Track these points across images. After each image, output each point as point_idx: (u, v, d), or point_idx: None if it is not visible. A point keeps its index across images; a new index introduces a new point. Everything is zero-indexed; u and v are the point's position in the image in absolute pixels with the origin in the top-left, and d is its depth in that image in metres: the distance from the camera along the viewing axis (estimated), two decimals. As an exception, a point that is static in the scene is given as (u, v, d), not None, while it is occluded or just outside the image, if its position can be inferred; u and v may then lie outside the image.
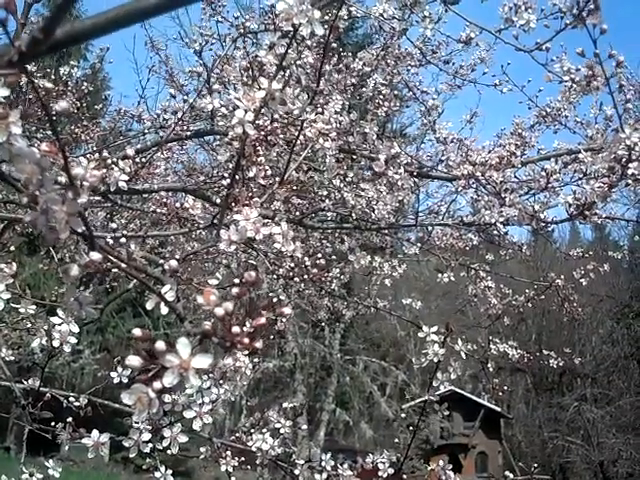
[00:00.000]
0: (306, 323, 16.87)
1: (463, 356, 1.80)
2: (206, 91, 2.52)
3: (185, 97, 2.91)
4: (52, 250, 2.03)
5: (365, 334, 21.34)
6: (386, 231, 3.31)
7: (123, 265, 0.94)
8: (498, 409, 22.52)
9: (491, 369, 3.28)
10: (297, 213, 3.21)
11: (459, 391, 20.94)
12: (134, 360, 0.77)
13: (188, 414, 1.32)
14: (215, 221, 1.78)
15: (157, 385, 0.75)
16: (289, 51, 1.31)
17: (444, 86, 3.47)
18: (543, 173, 2.22)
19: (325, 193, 3.11)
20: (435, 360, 1.81)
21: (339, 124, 1.99)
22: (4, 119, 0.83)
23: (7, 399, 3.16)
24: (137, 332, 0.80)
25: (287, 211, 3.09)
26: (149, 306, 1.07)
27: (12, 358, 1.96)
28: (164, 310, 1.04)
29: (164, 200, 1.85)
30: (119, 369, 1.88)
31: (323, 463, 2.01)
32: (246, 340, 0.83)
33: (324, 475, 2.00)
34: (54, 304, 1.62)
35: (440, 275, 3.18)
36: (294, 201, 2.93)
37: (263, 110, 1.33)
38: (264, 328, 0.85)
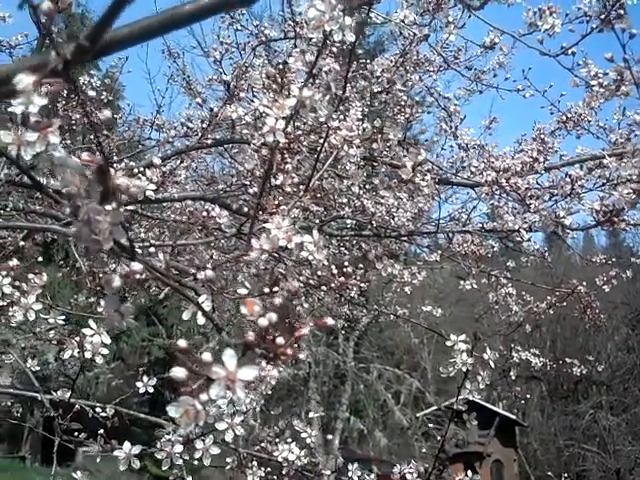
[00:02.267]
0: (320, 331, 16.83)
1: (492, 365, 1.78)
2: (228, 99, 2.51)
3: (200, 103, 2.90)
4: (79, 259, 2.04)
5: (379, 342, 21.27)
6: (405, 238, 3.29)
7: (160, 275, 0.93)
8: (513, 417, 22.37)
9: (513, 377, 3.25)
10: (316, 220, 3.20)
11: (474, 399, 20.79)
12: (179, 372, 0.76)
13: (220, 426, 1.30)
14: (241, 229, 1.77)
15: (204, 397, 0.74)
16: (319, 58, 1.30)
17: (462, 91, 3.46)
18: (568, 179, 2.19)
19: (344, 200, 3.10)
20: (463, 369, 1.79)
21: (363, 131, 1.97)
22: (44, 129, 0.83)
23: (23, 409, 3.15)
24: (182, 344, 0.79)
25: (305, 218, 3.08)
26: (186, 316, 1.06)
27: (37, 368, 1.96)
28: (201, 320, 1.03)
29: (190, 209, 1.85)
30: (144, 379, 1.87)
31: (350, 473, 2.00)
32: (289, 351, 0.82)
33: (352, 484, 1.98)
34: (83, 314, 1.62)
35: (462, 282, 3.16)
36: (312, 208, 2.92)
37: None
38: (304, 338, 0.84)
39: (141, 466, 1.54)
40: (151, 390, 1.88)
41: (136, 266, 0.86)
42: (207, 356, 0.75)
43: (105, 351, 1.27)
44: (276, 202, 1.67)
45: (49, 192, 0.90)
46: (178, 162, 2.95)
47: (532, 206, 2.15)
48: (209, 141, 2.79)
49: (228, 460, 2.02)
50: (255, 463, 1.99)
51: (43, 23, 0.67)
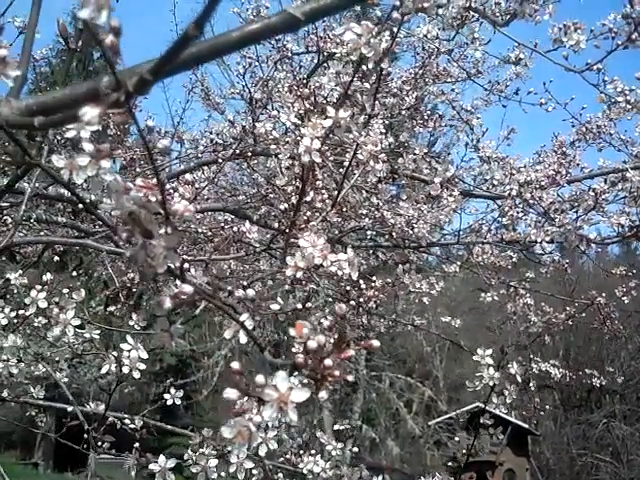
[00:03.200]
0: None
1: (519, 379, 1.79)
2: (251, 113, 2.54)
3: (228, 118, 2.93)
4: (112, 275, 2.07)
5: (391, 350, 21.23)
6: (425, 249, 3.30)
7: (208, 296, 0.95)
8: (526, 426, 22.25)
9: (532, 388, 3.25)
10: (335, 231, 3.22)
11: (487, 408, 20.71)
12: (232, 393, 0.78)
13: (254, 440, 1.32)
14: (271, 245, 1.80)
15: (257, 419, 0.76)
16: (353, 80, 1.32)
17: (479, 101, 3.48)
18: (592, 193, 2.20)
19: (364, 211, 3.12)
20: (490, 384, 1.79)
21: (389, 145, 2.00)
22: (96, 154, 0.85)
23: (37, 415, 3.18)
24: (235, 365, 0.81)
25: (325, 229, 3.10)
26: (228, 335, 1.08)
27: (66, 380, 1.98)
28: (243, 339, 1.05)
29: (222, 224, 1.87)
30: (172, 391, 1.90)
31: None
32: (337, 372, 0.84)
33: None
34: (119, 330, 1.64)
35: (482, 295, 3.17)
36: (332, 219, 2.94)
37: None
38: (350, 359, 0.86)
39: (154, 474, 1.56)
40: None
41: (186, 288, 0.88)
42: (260, 378, 0.76)
43: (142, 366, 1.29)
44: (305, 217, 1.70)
45: (100, 215, 0.93)
46: (199, 174, 2.98)
47: (557, 220, 2.16)
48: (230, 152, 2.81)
49: (254, 472, 2.03)
50: (281, 475, 2.01)
51: (105, 55, 0.69)
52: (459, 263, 3.13)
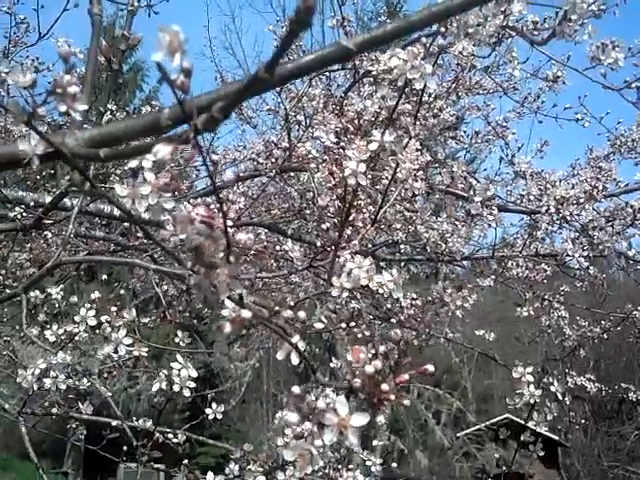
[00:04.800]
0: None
1: (559, 397, 1.79)
2: (287, 129, 2.58)
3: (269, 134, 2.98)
4: (160, 294, 2.12)
5: (419, 361, 21.13)
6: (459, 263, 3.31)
7: (264, 321, 0.97)
8: (556, 438, 21.98)
9: (567, 402, 3.23)
10: (369, 245, 3.24)
11: (515, 419, 20.55)
12: (292, 417, 0.81)
13: (301, 457, 1.34)
14: (313, 263, 1.82)
15: (318, 443, 0.78)
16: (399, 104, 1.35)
17: (511, 114, 3.49)
18: (629, 209, 2.20)
19: (398, 225, 3.14)
20: (531, 401, 1.80)
21: (426, 165, 2.02)
22: (157, 184, 0.88)
23: (65, 424, 3.24)
24: (296, 390, 0.83)
25: (361, 245, 3.13)
26: (280, 356, 1.11)
27: (110, 394, 2.02)
28: (295, 360, 1.07)
29: (265, 244, 1.91)
30: (214, 405, 1.93)
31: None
32: (392, 397, 0.86)
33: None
34: (165, 348, 1.68)
35: (519, 309, 3.17)
36: (370, 236, 2.97)
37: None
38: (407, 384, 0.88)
39: None
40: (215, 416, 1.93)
41: (245, 314, 0.91)
42: (321, 404, 0.79)
43: (192, 384, 1.32)
44: (346, 236, 1.72)
45: (160, 242, 0.96)
46: (235, 188, 3.02)
47: (595, 237, 2.16)
48: (267, 170, 2.85)
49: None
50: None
51: (175, 94, 0.73)
52: (494, 277, 3.13)
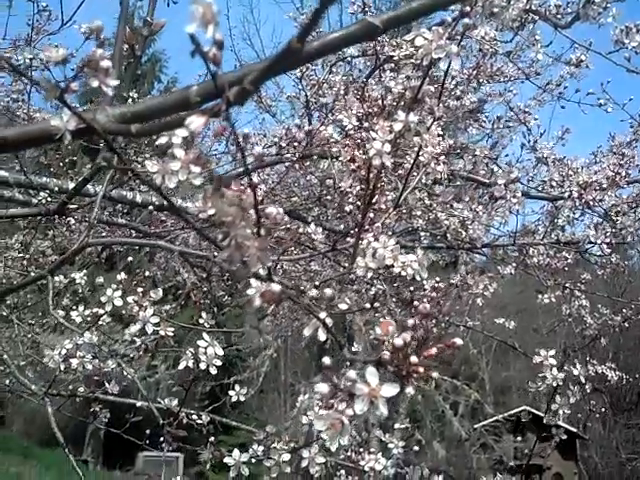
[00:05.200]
0: (377, 340, 16.77)
1: (582, 380, 1.79)
2: (308, 116, 2.58)
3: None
4: (185, 274, 2.13)
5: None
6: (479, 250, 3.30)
7: (293, 296, 0.98)
8: (574, 430, 21.90)
9: (588, 390, 3.21)
10: (389, 232, 3.24)
11: (533, 410, 20.50)
12: (323, 387, 0.82)
13: (325, 435, 1.35)
14: (335, 246, 1.83)
15: (349, 412, 0.79)
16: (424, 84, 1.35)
17: (532, 102, 3.47)
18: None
19: (418, 213, 3.14)
20: (554, 384, 1.80)
21: (449, 147, 2.02)
22: (186, 159, 0.89)
23: (83, 413, 3.28)
24: (326, 361, 0.84)
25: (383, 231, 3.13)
26: (307, 332, 1.11)
27: (135, 375, 2.05)
28: (322, 336, 1.08)
29: (288, 226, 1.92)
30: (236, 387, 1.94)
31: (436, 483, 2.03)
32: (421, 369, 0.87)
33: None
34: (192, 327, 1.70)
35: (540, 296, 3.15)
36: (392, 221, 2.97)
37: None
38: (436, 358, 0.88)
39: (200, 472, 1.61)
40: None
41: (275, 287, 0.92)
42: (352, 374, 0.80)
43: (218, 362, 1.34)
44: (369, 219, 1.73)
45: (189, 219, 0.97)
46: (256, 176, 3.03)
47: (618, 222, 2.15)
48: (289, 155, 2.86)
49: (316, 469, 2.07)
50: (343, 472, 2.04)
51: (207, 67, 0.74)
52: (514, 264, 3.12)
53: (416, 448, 2.28)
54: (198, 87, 0.93)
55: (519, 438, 18.00)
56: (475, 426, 20.09)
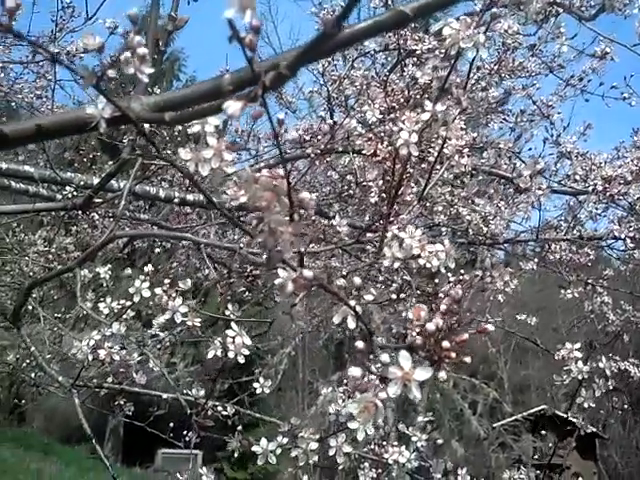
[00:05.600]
0: (394, 337, 16.75)
1: (608, 373, 1.78)
2: (330, 111, 2.59)
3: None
4: (210, 268, 2.16)
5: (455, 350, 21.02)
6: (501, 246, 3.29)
7: (323, 284, 0.99)
8: (593, 429, 21.74)
9: (611, 387, 3.19)
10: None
11: (553, 410, 20.36)
12: (356, 371, 0.83)
13: (352, 425, 1.36)
14: (360, 238, 1.84)
15: (382, 395, 0.80)
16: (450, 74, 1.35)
17: (554, 97, 3.46)
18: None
19: (440, 208, 3.13)
20: (579, 377, 1.79)
21: (474, 140, 2.01)
22: (219, 147, 0.90)
23: (125, 404, 3.31)
24: (360, 345, 0.85)
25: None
26: (336, 320, 1.12)
27: (162, 366, 2.07)
28: (351, 324, 1.08)
29: (313, 218, 1.93)
30: (261, 379, 1.96)
31: (459, 478, 2.03)
32: (453, 354, 0.87)
33: (462, 487, 2.01)
34: (219, 317, 1.71)
35: (563, 291, 3.14)
36: (417, 213, 2.97)
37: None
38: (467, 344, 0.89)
39: (217, 468, 1.63)
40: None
41: (307, 273, 0.92)
42: (385, 357, 0.80)
43: (246, 352, 1.35)
44: (394, 211, 1.73)
45: (220, 207, 0.98)
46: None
47: (644, 215, 2.14)
48: (310, 150, 2.86)
49: (340, 460, 2.08)
50: (367, 464, 2.04)
51: (244, 52, 0.74)
52: (536, 260, 3.10)
53: (440, 441, 2.28)
54: (231, 75, 0.94)
55: (538, 437, 17.89)
56: (494, 425, 20.00)
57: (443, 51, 1.39)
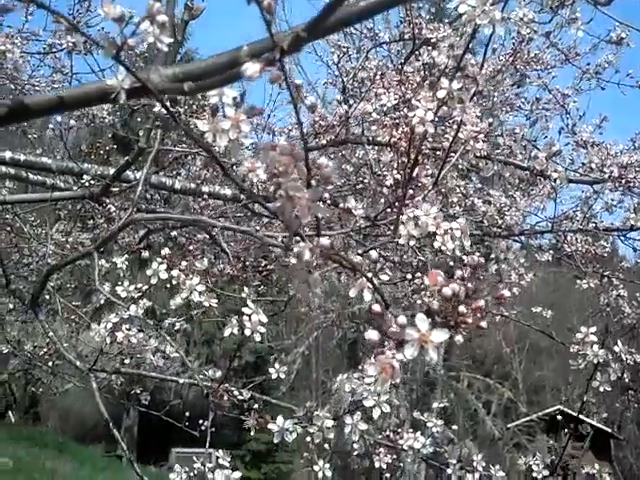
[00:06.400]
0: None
1: (623, 358, 1.77)
2: (344, 101, 2.60)
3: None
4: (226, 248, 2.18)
5: (468, 350, 20.98)
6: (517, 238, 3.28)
7: (338, 255, 1.00)
8: (608, 430, 21.58)
9: (627, 380, 3.17)
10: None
11: (567, 410, 20.25)
12: (373, 334, 0.83)
13: (367, 403, 1.37)
14: (375, 221, 1.84)
15: (399, 357, 0.80)
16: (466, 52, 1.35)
17: (569, 90, 3.44)
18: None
19: (455, 199, 3.13)
20: (595, 361, 1.78)
21: (489, 125, 2.01)
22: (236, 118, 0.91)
23: (141, 394, 3.34)
24: (376, 308, 0.86)
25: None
26: (352, 294, 1.13)
27: (176, 355, 2.08)
28: (367, 296, 1.09)
29: (328, 202, 1.94)
30: (277, 365, 1.97)
31: (475, 463, 2.03)
32: (469, 320, 0.88)
33: (476, 475, 2.01)
34: (236, 296, 1.72)
35: (579, 282, 3.12)
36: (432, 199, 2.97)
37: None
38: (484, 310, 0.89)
39: (232, 468, 1.63)
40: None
41: (324, 241, 0.93)
42: (402, 319, 0.81)
43: (262, 329, 1.36)
44: (410, 193, 1.74)
45: (236, 179, 0.99)
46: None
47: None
48: (324, 141, 2.87)
49: (355, 447, 2.08)
50: (382, 450, 2.04)
51: (263, 16, 0.75)
52: (552, 252, 3.09)
53: (454, 427, 2.28)
54: (248, 47, 0.95)
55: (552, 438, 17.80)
56: (508, 425, 19.91)
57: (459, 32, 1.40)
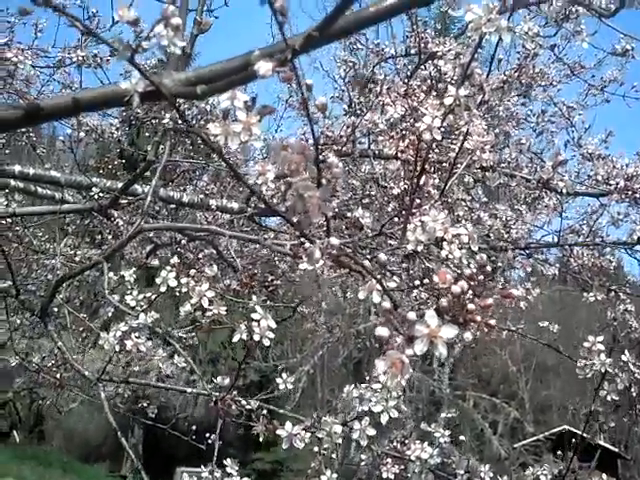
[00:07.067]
0: (415, 355, 16.64)
1: (632, 367, 1.78)
2: (351, 114, 2.62)
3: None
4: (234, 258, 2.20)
5: (474, 370, 20.89)
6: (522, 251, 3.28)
7: (348, 255, 1.01)
8: (615, 449, 21.39)
9: (634, 394, 3.16)
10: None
11: (574, 430, 20.09)
12: (383, 331, 0.84)
13: (376, 409, 1.38)
14: (383, 229, 1.85)
15: (409, 352, 0.81)
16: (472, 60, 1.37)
17: (575, 105, 3.46)
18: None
19: (461, 213, 3.14)
20: (602, 370, 1.79)
21: (496, 137, 2.03)
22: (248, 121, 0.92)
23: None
24: (386, 304, 0.86)
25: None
26: (362, 295, 1.13)
27: (187, 356, 2.09)
28: (376, 298, 1.10)
29: (336, 211, 1.95)
30: (284, 375, 1.97)
31: (482, 474, 2.03)
32: (478, 317, 0.88)
33: (484, 486, 2.01)
34: (244, 302, 1.74)
35: (585, 295, 3.12)
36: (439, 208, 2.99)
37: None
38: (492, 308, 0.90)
39: (239, 475, 1.63)
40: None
41: (334, 240, 0.94)
42: (412, 315, 0.82)
43: (271, 335, 1.37)
44: (417, 202, 1.75)
45: (247, 182, 1.01)
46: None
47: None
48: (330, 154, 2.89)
49: (363, 457, 2.08)
50: (389, 460, 2.04)
51: (275, 17, 0.77)
52: (558, 266, 3.10)
53: (462, 438, 2.28)
54: (261, 51, 0.97)
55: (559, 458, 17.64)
56: (515, 445, 19.76)
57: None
